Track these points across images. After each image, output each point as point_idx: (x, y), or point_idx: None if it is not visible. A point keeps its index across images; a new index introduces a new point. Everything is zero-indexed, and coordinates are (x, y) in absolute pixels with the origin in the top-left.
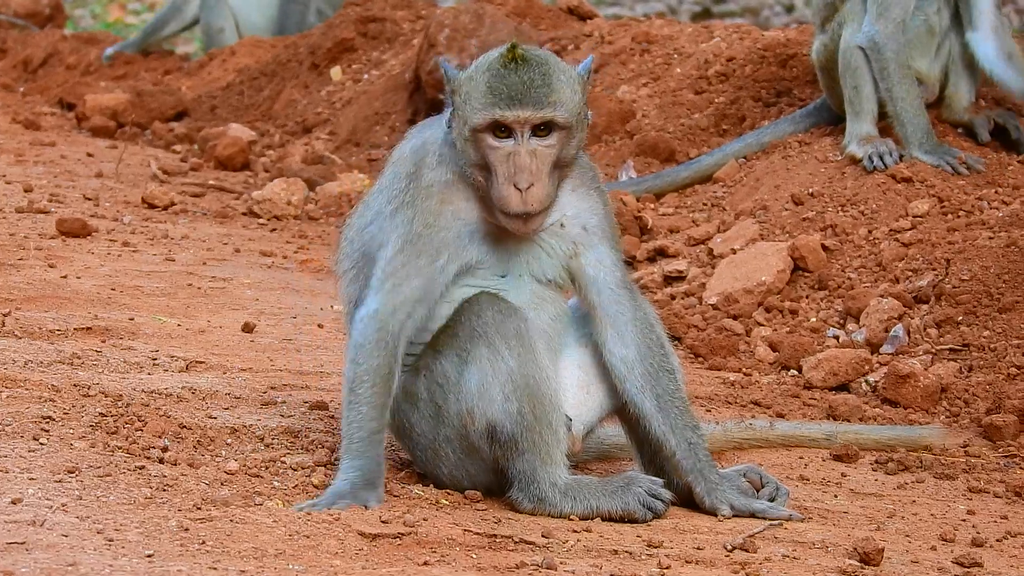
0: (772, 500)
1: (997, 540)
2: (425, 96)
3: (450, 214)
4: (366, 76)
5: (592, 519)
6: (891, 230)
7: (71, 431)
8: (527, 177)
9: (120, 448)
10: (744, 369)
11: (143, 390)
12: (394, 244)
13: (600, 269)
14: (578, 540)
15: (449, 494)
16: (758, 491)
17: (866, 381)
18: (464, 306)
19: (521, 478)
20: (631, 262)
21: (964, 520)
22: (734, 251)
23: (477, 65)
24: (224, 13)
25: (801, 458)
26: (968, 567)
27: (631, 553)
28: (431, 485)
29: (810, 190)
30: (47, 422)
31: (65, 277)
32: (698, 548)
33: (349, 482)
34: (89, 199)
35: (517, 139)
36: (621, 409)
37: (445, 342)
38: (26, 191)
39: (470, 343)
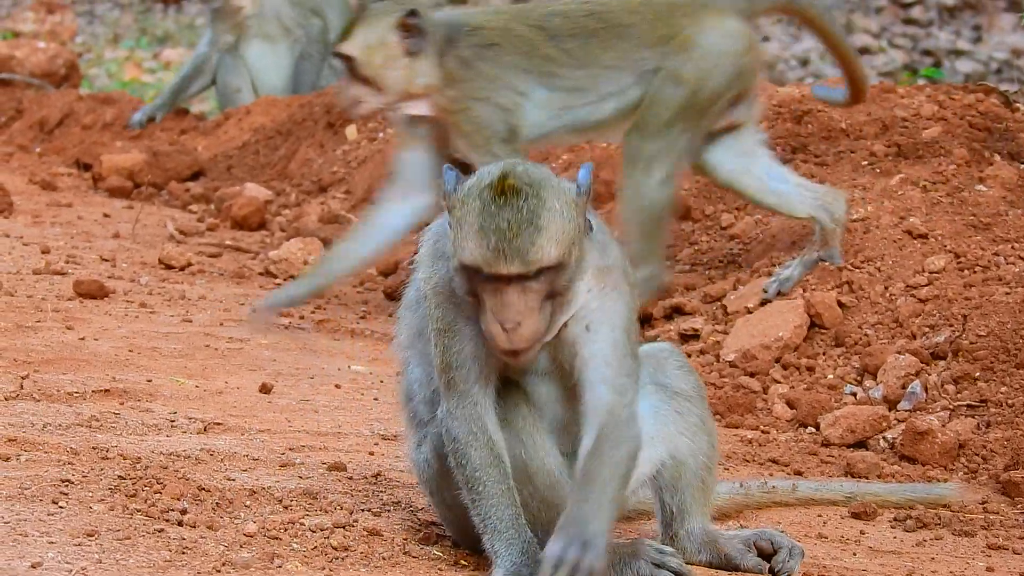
0: (783, 566)
1: None
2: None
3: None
4: (381, 135)
5: None
6: (907, 286)
7: (90, 494)
8: (513, 316)
9: (139, 511)
10: (762, 427)
11: (161, 452)
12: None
13: (594, 368)
14: None
15: (469, 555)
16: (768, 557)
17: (884, 438)
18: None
19: None
20: (648, 320)
21: None
22: (748, 309)
23: (470, 188)
24: (241, 72)
25: (820, 516)
26: None
27: None
28: (450, 545)
29: None
30: (66, 485)
31: (83, 339)
32: None
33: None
34: (106, 260)
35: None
36: (653, 476)
37: None
38: (43, 252)
39: None
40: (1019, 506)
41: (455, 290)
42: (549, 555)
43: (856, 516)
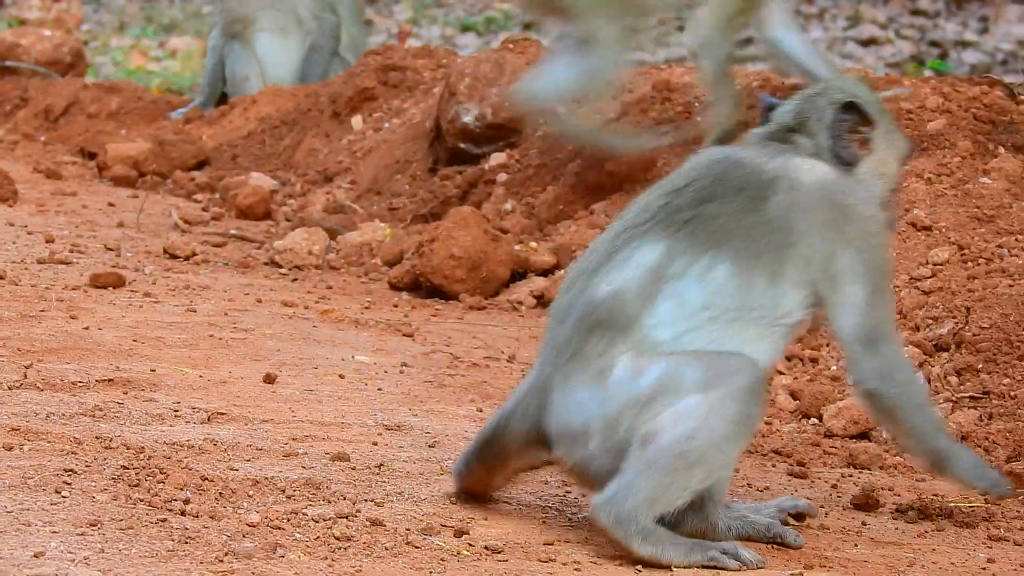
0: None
1: None
2: (445, 144)
3: None
4: (387, 125)
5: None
6: (911, 278)
7: (93, 484)
8: None
9: (142, 501)
10: (765, 418)
11: (165, 442)
12: None
13: None
14: None
15: (471, 545)
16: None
17: None
18: None
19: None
20: None
21: (984, 568)
22: None
23: None
24: (250, 62)
25: (822, 507)
26: None
27: None
28: (452, 535)
29: None
30: (69, 475)
31: (87, 328)
32: None
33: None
34: (111, 249)
35: None
36: None
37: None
38: (47, 241)
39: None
40: (1021, 497)
41: None
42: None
43: (858, 507)
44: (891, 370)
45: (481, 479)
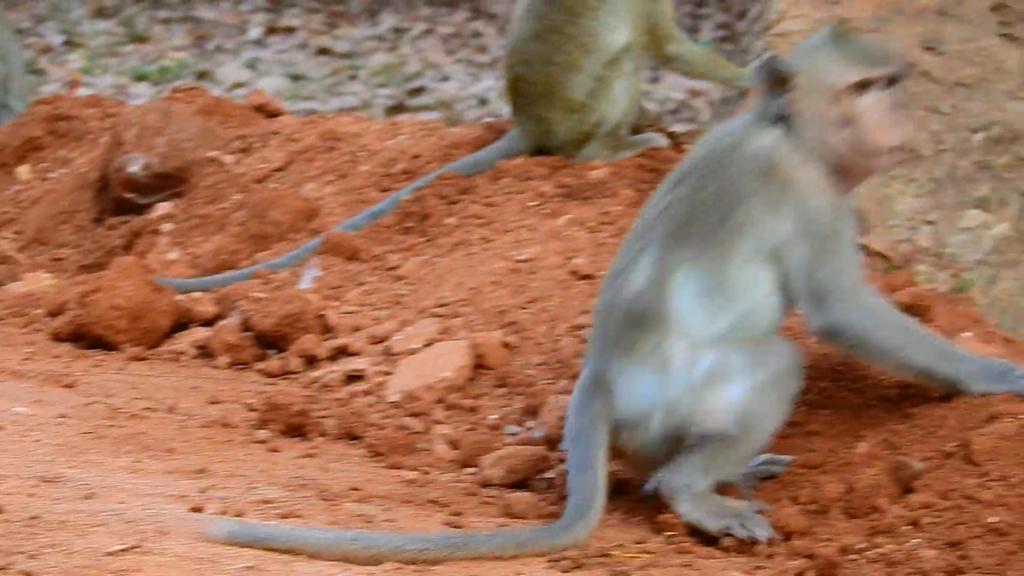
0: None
1: None
2: (111, 194)
3: None
4: (54, 175)
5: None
6: (572, 327)
7: None
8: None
9: None
10: (423, 467)
11: None
12: None
13: None
14: None
15: None
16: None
17: (544, 478)
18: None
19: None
20: (313, 360)
21: None
22: (413, 350)
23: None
24: None
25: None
26: None
27: None
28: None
29: (492, 287)
30: None
31: None
32: None
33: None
34: None
35: None
36: None
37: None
38: None
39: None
40: (673, 542)
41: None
42: None
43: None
44: (841, 325)
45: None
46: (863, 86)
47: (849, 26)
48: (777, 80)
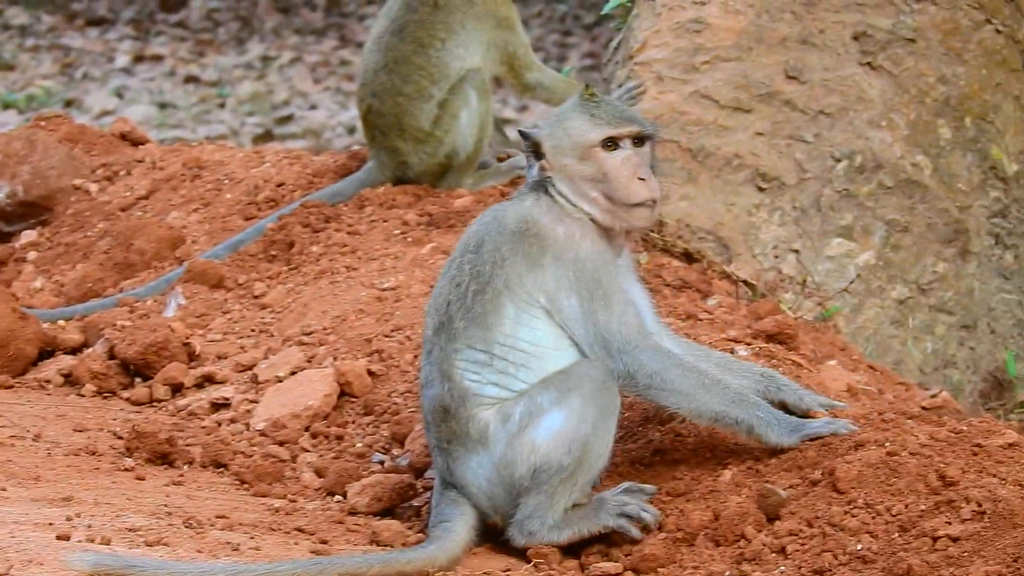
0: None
1: None
2: None
3: None
4: None
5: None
6: None
7: None
8: (646, 170)
9: None
10: (289, 495)
11: None
12: None
13: None
14: None
15: None
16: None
17: (411, 506)
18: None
19: (526, 513)
20: (179, 388)
21: None
22: (279, 378)
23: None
24: None
25: None
26: None
27: None
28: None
29: (357, 315)
30: None
31: None
32: None
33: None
34: None
35: None
36: None
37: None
38: None
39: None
40: (540, 569)
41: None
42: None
43: None
44: (630, 370)
45: None
46: (611, 142)
47: (596, 90)
48: (531, 148)
